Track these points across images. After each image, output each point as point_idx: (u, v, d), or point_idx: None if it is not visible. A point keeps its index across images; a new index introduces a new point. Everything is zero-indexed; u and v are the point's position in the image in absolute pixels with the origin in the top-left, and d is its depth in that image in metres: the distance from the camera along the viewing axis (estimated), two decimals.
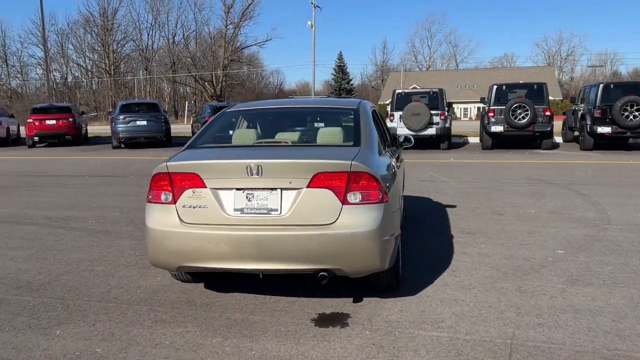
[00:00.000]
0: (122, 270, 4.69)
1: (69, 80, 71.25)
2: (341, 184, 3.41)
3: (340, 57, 65.68)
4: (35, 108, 21.47)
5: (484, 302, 3.84)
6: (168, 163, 3.62)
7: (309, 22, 55.54)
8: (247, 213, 3.46)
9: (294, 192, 3.43)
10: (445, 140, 16.52)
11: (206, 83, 60.25)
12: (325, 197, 3.41)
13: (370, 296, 3.96)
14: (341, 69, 65.45)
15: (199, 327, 3.47)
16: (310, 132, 4.30)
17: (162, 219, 3.59)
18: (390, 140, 5.22)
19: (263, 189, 3.45)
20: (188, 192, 3.53)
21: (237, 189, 3.48)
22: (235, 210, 3.47)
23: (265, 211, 3.45)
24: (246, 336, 3.31)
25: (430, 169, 11.89)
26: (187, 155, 3.83)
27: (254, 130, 4.49)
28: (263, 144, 4.08)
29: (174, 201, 3.57)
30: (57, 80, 71.23)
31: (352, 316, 3.61)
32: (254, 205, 3.46)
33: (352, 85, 65.94)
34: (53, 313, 3.73)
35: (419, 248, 5.33)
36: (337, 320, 3.55)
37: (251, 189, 3.47)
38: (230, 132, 4.36)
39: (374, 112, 4.98)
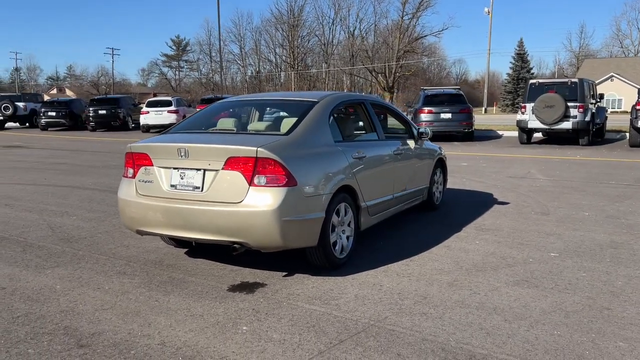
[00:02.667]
0: None
1: (261, 73, 79.11)
2: (249, 167, 3.87)
3: (520, 44, 61.63)
4: (202, 99, 24.65)
5: (399, 290, 3.96)
6: (131, 144, 4.42)
7: (486, 9, 53.50)
8: (179, 189, 4.11)
9: (212, 173, 3.98)
10: (585, 136, 15.01)
11: (379, 75, 61.40)
12: (236, 178, 3.90)
13: (305, 273, 4.32)
14: (521, 57, 61.33)
15: (141, 280, 4.22)
16: (266, 121, 4.75)
17: (126, 190, 4.42)
18: (380, 133, 5.37)
19: (191, 169, 4.07)
20: (142, 169, 4.30)
21: (175, 168, 4.15)
22: (171, 186, 4.15)
23: (191, 188, 4.06)
24: (165, 291, 3.98)
25: (535, 166, 11.15)
26: (152, 139, 4.59)
27: (226, 119, 5.08)
28: (216, 131, 4.66)
29: (134, 176, 4.36)
30: (251, 74, 79.49)
31: (267, 286, 4.04)
32: (184, 182, 4.10)
33: (532, 74, 61.36)
34: (60, 259, 4.81)
35: (412, 238, 5.42)
36: (249, 288, 4.02)
37: (184, 168, 4.10)
38: (212, 119, 5.02)
39: (359, 104, 5.23)
